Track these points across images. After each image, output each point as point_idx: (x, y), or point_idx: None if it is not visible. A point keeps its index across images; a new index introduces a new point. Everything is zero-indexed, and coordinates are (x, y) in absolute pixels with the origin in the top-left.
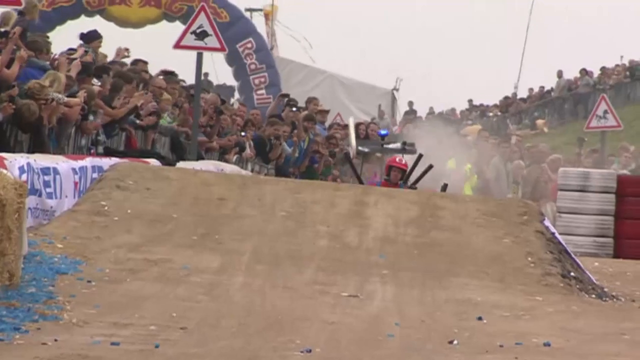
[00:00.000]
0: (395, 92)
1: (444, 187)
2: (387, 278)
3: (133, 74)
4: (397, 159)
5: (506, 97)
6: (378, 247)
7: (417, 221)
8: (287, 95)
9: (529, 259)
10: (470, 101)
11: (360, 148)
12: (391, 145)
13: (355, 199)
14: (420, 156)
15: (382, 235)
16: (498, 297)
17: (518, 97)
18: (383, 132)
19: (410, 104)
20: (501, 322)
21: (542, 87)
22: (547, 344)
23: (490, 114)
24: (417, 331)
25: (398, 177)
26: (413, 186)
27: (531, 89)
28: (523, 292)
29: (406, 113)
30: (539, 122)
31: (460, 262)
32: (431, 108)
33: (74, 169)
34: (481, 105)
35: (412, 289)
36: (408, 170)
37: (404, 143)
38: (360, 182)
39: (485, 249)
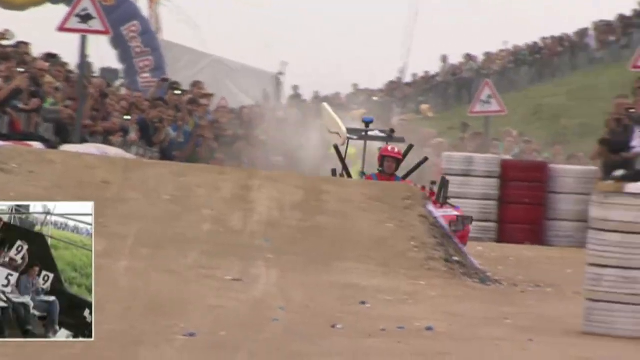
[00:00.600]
0: (280, 76)
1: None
2: (272, 262)
3: (15, 55)
4: (389, 148)
5: (391, 82)
6: (262, 231)
7: (302, 205)
8: (167, 80)
9: (413, 243)
10: (355, 85)
11: (349, 135)
12: (375, 133)
13: (239, 182)
14: (411, 147)
15: (266, 219)
16: (381, 282)
17: (403, 81)
18: (367, 118)
19: (295, 88)
20: (384, 306)
21: (427, 72)
22: (429, 328)
23: (376, 98)
24: (301, 315)
25: (393, 168)
26: (405, 179)
27: (415, 74)
28: (406, 277)
29: (291, 97)
30: (424, 106)
31: (345, 247)
32: (316, 92)
33: None
34: (367, 89)
35: (296, 273)
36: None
37: (391, 130)
38: (349, 176)
39: (369, 233)
